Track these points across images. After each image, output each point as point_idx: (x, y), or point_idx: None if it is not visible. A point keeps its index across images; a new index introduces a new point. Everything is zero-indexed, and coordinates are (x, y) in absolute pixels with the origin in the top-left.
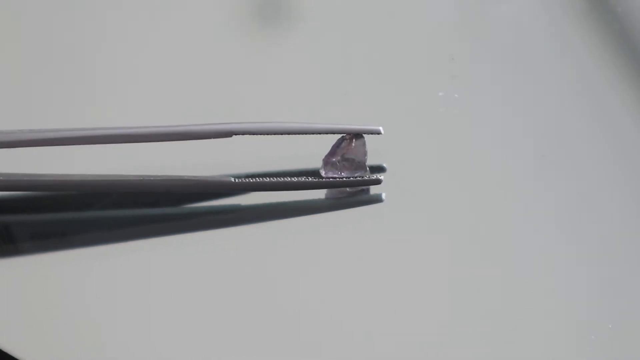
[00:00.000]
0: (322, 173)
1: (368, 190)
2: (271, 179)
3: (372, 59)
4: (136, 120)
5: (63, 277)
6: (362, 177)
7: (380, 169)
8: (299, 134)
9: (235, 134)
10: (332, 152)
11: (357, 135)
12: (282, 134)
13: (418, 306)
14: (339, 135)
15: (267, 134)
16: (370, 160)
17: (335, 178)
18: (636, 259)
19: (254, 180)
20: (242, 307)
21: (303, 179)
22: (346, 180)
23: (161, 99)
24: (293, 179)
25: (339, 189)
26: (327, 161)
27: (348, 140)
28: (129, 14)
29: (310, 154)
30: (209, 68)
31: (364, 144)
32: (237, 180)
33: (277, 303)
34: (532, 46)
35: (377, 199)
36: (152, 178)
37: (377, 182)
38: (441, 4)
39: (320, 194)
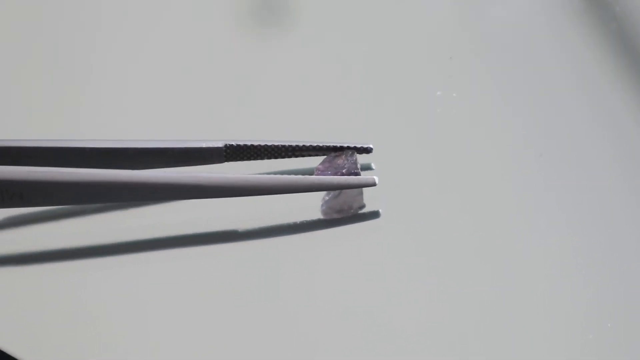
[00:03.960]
0: (322, 214)
1: (363, 212)
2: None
3: (371, 59)
4: (131, 122)
5: (64, 278)
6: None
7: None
8: (286, 156)
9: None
10: (325, 163)
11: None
12: (272, 157)
13: (419, 319)
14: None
15: (260, 158)
16: (367, 160)
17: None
18: (635, 258)
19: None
20: (239, 322)
21: (297, 177)
22: (341, 181)
23: (155, 99)
24: (287, 176)
25: (337, 211)
26: (320, 171)
27: (340, 154)
28: (124, 14)
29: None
30: (204, 69)
31: (355, 156)
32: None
33: (276, 318)
34: (530, 45)
35: (374, 215)
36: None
37: (372, 183)
38: (440, 4)
39: (317, 213)
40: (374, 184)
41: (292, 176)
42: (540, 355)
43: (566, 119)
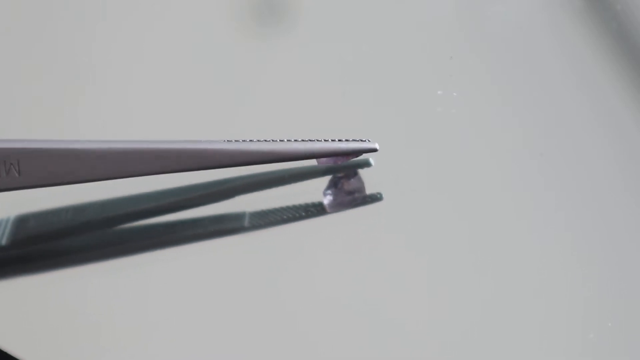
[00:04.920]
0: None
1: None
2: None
3: (371, 59)
4: (130, 122)
5: (66, 278)
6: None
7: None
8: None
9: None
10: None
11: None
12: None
13: (420, 307)
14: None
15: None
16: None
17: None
18: (636, 257)
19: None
20: (243, 312)
21: (295, 143)
22: (341, 146)
23: (154, 99)
24: (284, 143)
25: (341, 200)
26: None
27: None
28: (123, 14)
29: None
30: (204, 70)
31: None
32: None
33: (279, 307)
34: (530, 44)
35: (376, 198)
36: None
37: (373, 149)
38: (440, 3)
39: (317, 200)
40: (375, 150)
41: (290, 143)
42: (540, 354)
43: (566, 119)
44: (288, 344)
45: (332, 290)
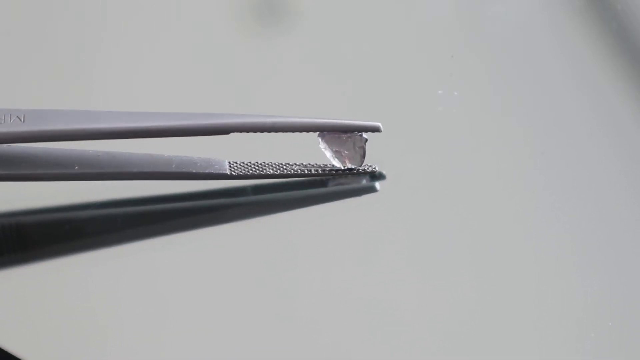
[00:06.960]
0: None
1: (364, 180)
2: (267, 170)
3: (371, 58)
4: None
5: (65, 275)
6: (357, 169)
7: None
8: (298, 131)
9: (234, 131)
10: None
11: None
12: (281, 131)
13: (414, 300)
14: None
15: (267, 132)
16: (369, 158)
17: (329, 169)
18: (636, 257)
19: (249, 172)
20: (239, 302)
21: (297, 118)
22: (344, 123)
23: (153, 102)
24: (289, 166)
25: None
26: (322, 136)
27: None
28: (123, 14)
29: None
30: (206, 64)
31: (364, 146)
32: (232, 173)
33: (274, 298)
34: (531, 44)
35: (372, 189)
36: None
37: (377, 129)
38: (441, 2)
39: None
40: (378, 129)
41: (292, 118)
42: (540, 353)
43: (567, 118)
44: (284, 335)
45: (328, 281)
